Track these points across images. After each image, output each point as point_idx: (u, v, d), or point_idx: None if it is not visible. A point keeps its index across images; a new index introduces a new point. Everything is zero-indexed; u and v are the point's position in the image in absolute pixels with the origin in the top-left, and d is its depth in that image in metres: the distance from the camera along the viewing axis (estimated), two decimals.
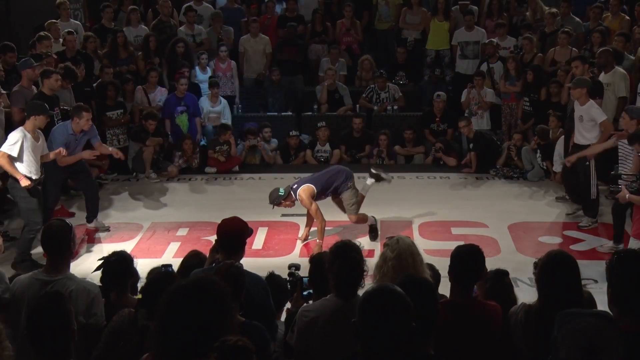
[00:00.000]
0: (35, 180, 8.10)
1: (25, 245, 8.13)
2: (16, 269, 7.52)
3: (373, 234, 8.96)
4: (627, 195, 7.84)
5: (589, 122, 9.02)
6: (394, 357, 2.73)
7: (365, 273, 4.36)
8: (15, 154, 7.90)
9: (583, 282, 4.09)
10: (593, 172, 9.08)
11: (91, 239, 9.10)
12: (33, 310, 3.70)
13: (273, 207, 8.69)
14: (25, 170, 8.01)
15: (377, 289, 2.82)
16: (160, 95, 12.20)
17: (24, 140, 7.94)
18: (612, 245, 8.34)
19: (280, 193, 8.56)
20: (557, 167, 10.47)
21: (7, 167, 7.94)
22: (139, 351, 3.59)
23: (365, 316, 2.73)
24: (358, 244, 4.83)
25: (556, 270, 3.91)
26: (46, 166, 8.45)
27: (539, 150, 11.07)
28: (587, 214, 9.34)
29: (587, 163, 9.09)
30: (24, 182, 7.93)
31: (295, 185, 8.61)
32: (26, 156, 7.99)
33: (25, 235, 8.15)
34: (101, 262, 4.93)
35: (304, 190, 8.49)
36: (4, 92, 9.50)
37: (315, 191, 8.50)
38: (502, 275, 4.86)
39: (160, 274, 4.63)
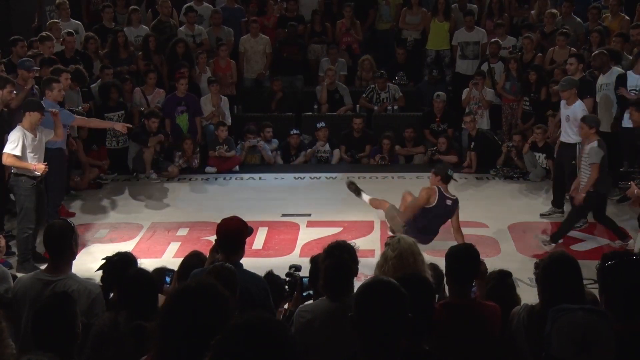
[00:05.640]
0: (38, 177, 8.04)
1: (24, 245, 8.07)
2: (20, 270, 7.48)
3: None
4: (635, 191, 7.88)
5: (574, 121, 9.08)
6: (392, 349, 2.73)
7: (356, 274, 4.37)
8: (19, 153, 7.88)
9: (585, 282, 4.09)
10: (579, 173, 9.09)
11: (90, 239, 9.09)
12: (40, 310, 3.71)
13: None
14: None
15: (372, 281, 2.83)
16: (158, 97, 12.19)
17: (24, 139, 7.92)
18: (622, 243, 8.45)
19: None
20: None
21: (17, 163, 7.92)
22: (136, 352, 3.59)
23: (361, 308, 2.74)
24: (353, 244, 4.84)
25: (558, 272, 3.92)
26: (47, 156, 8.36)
27: (540, 151, 11.06)
28: None
29: (573, 162, 9.12)
30: (39, 168, 7.91)
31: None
32: (27, 153, 7.96)
33: (19, 235, 8.09)
34: (104, 261, 4.95)
35: None
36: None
37: None
38: (504, 276, 4.87)
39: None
